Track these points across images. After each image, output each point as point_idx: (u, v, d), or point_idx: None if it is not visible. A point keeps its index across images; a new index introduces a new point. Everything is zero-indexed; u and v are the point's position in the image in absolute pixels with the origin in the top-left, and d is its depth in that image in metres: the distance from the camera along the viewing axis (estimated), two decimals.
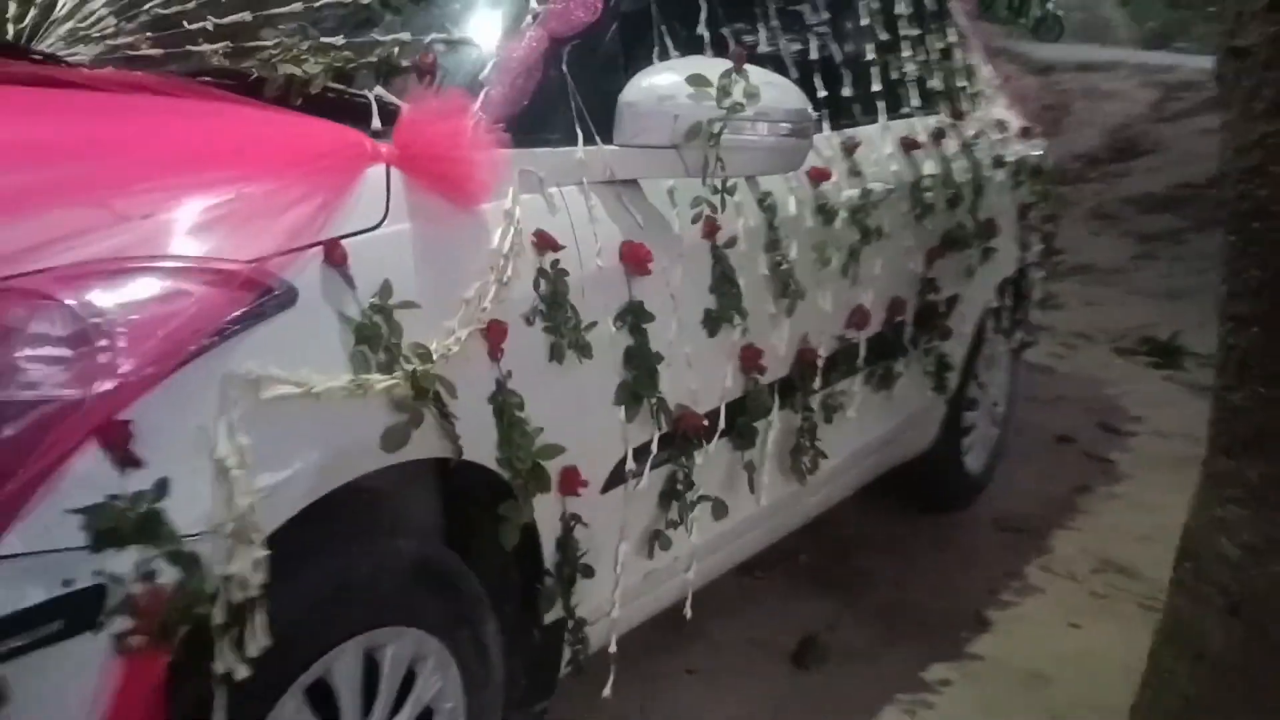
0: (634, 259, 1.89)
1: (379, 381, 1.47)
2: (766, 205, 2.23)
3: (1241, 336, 1.73)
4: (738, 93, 1.87)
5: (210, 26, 1.94)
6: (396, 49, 1.83)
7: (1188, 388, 4.95)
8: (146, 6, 2.04)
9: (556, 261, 1.76)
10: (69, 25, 2.08)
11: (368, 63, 1.83)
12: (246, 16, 1.95)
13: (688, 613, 2.19)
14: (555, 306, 1.75)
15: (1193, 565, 1.85)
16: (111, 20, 2.05)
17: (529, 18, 1.88)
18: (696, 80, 1.88)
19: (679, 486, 2.07)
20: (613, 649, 2.00)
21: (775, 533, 2.58)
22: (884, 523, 3.44)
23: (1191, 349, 5.26)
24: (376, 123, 1.71)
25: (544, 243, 1.75)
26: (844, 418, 2.56)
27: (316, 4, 1.94)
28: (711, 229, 2.06)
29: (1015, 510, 3.62)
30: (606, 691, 1.99)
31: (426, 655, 1.67)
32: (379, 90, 1.77)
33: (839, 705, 2.56)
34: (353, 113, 1.74)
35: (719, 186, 1.95)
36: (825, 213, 2.39)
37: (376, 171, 1.60)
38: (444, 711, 1.73)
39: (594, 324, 1.81)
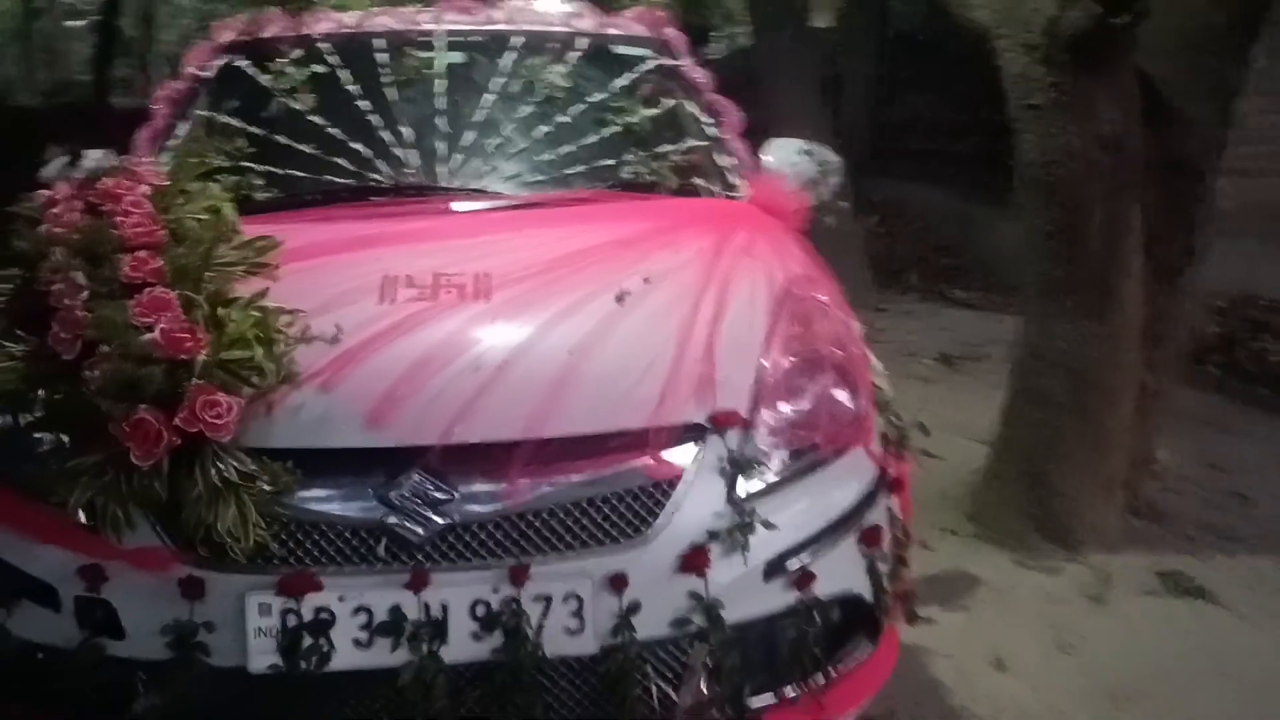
0: None
1: None
2: None
3: (1052, 240, 3.63)
4: (819, 155, 3.32)
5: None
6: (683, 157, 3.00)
7: None
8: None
9: None
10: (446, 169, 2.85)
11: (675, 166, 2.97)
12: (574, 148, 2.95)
13: None
14: None
15: (1039, 361, 3.73)
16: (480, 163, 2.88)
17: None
18: (804, 151, 3.29)
19: None
20: None
21: None
22: None
23: None
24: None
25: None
26: None
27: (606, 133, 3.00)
28: None
29: None
30: None
31: None
32: (699, 181, 2.95)
33: None
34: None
35: None
36: None
37: None
38: None
39: None
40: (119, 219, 2.14)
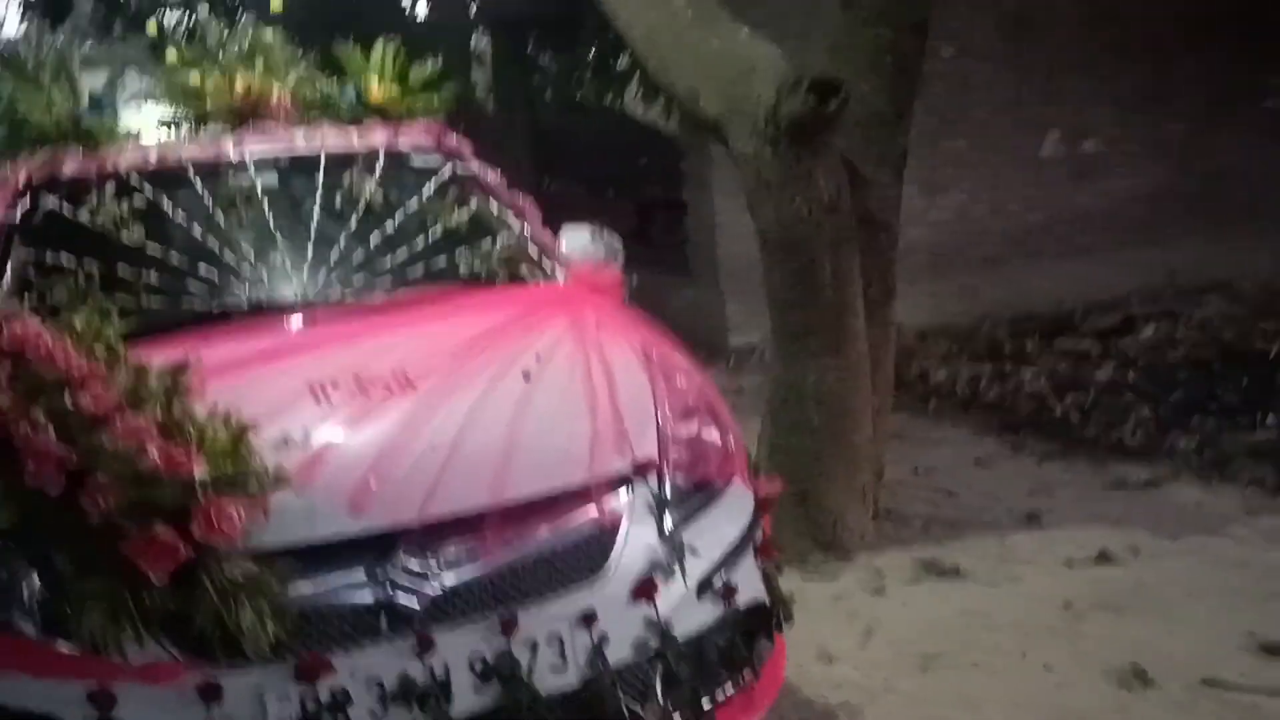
0: None
1: None
2: None
3: (791, 291, 4.23)
4: (605, 240, 3.75)
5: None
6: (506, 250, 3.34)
7: None
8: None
9: None
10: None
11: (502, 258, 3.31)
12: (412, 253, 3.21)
13: None
14: None
15: (792, 395, 4.30)
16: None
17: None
18: (593, 237, 3.70)
19: None
20: None
21: None
22: None
23: None
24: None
25: None
26: None
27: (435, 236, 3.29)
28: None
29: None
30: None
31: None
32: (528, 271, 3.30)
33: None
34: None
35: None
36: None
37: None
38: None
39: None
40: (49, 361, 2.22)
